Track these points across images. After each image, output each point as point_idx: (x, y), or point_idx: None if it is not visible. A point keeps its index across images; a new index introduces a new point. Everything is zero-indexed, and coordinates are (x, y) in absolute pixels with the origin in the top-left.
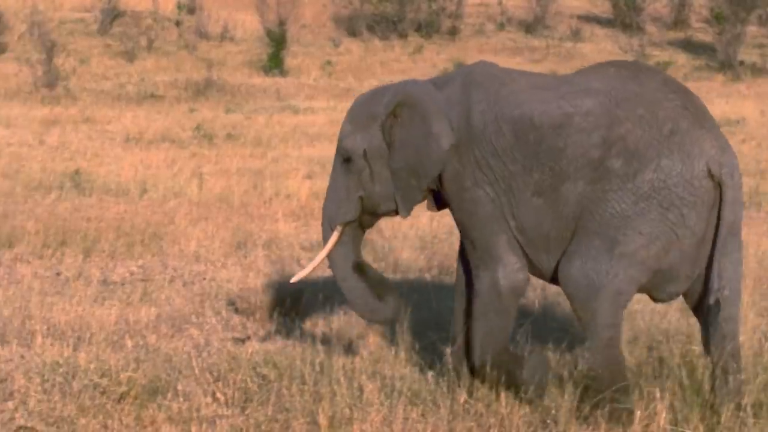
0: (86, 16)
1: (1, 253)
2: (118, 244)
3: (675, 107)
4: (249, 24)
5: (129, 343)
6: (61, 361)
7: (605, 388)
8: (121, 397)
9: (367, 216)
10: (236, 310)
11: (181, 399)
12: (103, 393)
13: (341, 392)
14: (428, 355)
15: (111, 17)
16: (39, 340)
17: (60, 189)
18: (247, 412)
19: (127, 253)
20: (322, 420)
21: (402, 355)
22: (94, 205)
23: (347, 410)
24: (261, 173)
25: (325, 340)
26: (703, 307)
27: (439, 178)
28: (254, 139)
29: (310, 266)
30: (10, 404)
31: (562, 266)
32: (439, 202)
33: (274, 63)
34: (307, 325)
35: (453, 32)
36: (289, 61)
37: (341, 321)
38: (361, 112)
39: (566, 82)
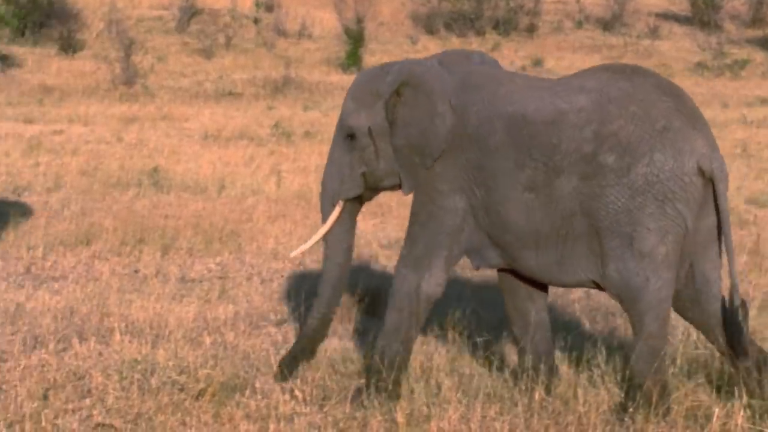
0: (164, 14)
1: (80, 250)
2: (196, 242)
3: (668, 107)
4: (327, 21)
5: (207, 341)
6: (139, 359)
7: (643, 395)
8: (199, 395)
9: (368, 191)
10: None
11: (259, 396)
12: (181, 390)
13: (419, 390)
14: (506, 353)
15: (189, 15)
16: (117, 337)
17: (138, 186)
18: (325, 410)
19: (205, 251)
20: (400, 418)
21: (479, 352)
22: (172, 203)
23: (425, 408)
24: None
25: None
26: (700, 312)
27: None
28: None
29: (311, 242)
30: (88, 401)
31: (602, 274)
32: None
33: (352, 60)
34: None
35: (531, 30)
36: (367, 59)
37: None
38: (365, 90)
39: (561, 82)
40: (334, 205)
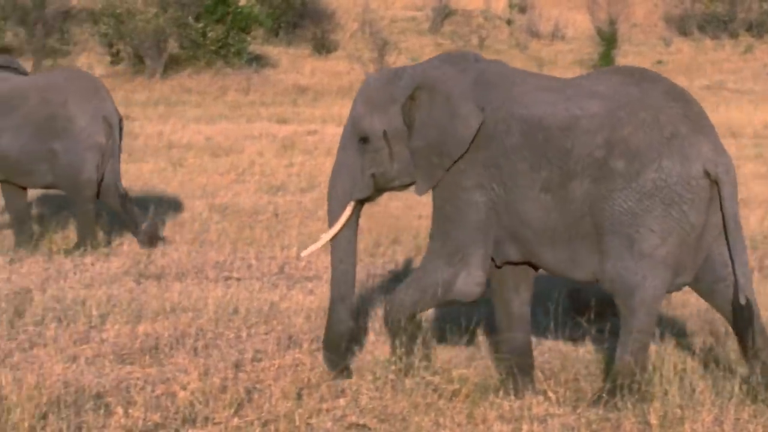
0: (417, 15)
1: None
2: None
3: (676, 114)
4: (580, 23)
5: (461, 341)
6: (393, 359)
7: (625, 386)
8: (453, 395)
9: (375, 192)
10: (570, 309)
11: (512, 397)
12: (435, 390)
13: (672, 392)
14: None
15: (442, 16)
16: (371, 337)
17: None
18: (578, 411)
19: None
20: (653, 419)
21: (731, 356)
22: (426, 204)
23: (678, 410)
24: None
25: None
26: (720, 297)
27: None
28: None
29: (321, 242)
30: (342, 401)
31: (600, 269)
32: None
33: (605, 62)
34: None
35: None
36: (620, 60)
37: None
38: (378, 95)
39: (572, 85)
40: (344, 207)
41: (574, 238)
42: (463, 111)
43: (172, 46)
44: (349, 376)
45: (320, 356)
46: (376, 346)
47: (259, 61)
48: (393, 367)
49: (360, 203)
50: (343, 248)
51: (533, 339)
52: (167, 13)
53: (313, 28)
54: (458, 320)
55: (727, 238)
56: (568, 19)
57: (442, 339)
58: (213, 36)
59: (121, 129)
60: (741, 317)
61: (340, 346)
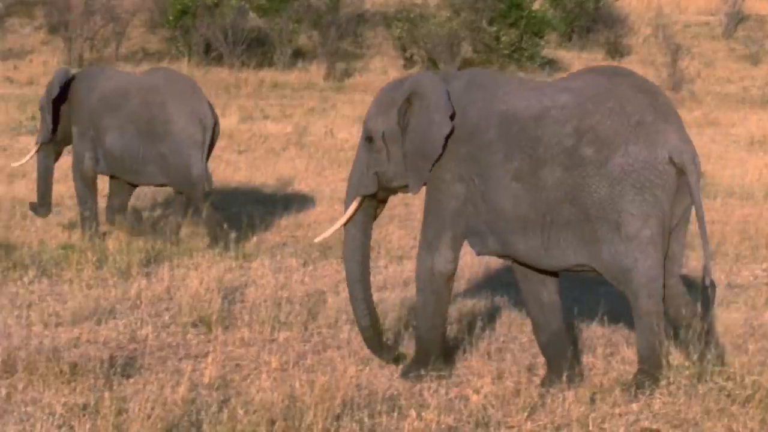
0: (711, 20)
1: None
2: (742, 248)
3: (642, 103)
4: None
5: (752, 347)
6: (687, 364)
7: (649, 371)
8: (746, 401)
9: (382, 191)
10: None
11: None
12: (728, 396)
13: None
14: None
15: (736, 21)
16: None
17: None
18: None
19: (751, 257)
20: None
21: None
22: (718, 208)
23: None
24: None
25: None
26: (668, 276)
27: None
28: None
29: (331, 229)
30: (635, 406)
31: (596, 258)
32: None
33: None
34: None
35: None
36: None
37: None
38: (386, 97)
39: (551, 83)
40: (352, 201)
41: (548, 226)
42: (437, 118)
43: (465, 50)
44: (401, 360)
45: (612, 360)
46: (670, 351)
47: (552, 65)
48: (687, 372)
49: (373, 201)
50: (348, 246)
51: None
52: (460, 16)
53: (606, 33)
54: (752, 326)
55: (700, 225)
56: None
57: (733, 344)
58: (506, 40)
59: (215, 131)
60: (705, 300)
61: (371, 341)
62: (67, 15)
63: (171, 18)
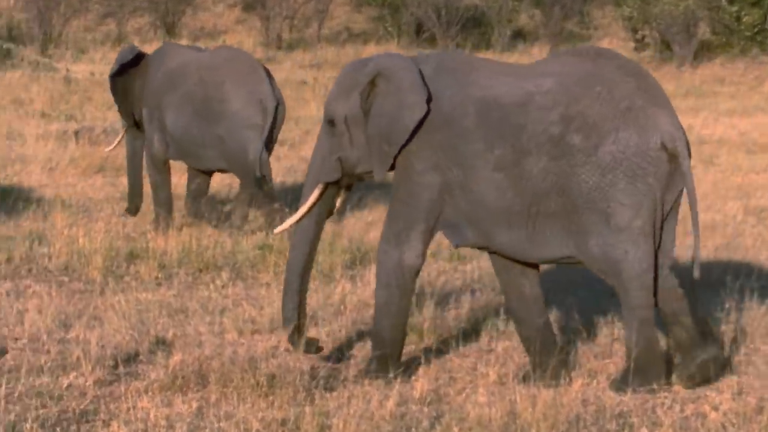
0: None
1: None
2: None
3: (630, 87)
4: None
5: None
6: None
7: (643, 368)
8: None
9: (346, 177)
10: None
11: None
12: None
13: None
14: None
15: None
16: None
17: None
18: None
19: None
20: None
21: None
22: None
23: None
24: None
25: None
26: (659, 266)
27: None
28: None
29: (290, 221)
30: None
31: (583, 250)
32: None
33: None
34: None
35: None
36: None
37: None
38: (347, 80)
39: (529, 67)
40: (313, 189)
41: (533, 217)
42: (409, 101)
43: (703, 32)
44: (317, 351)
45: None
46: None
47: None
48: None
49: (335, 189)
50: (298, 236)
51: None
52: None
53: None
54: None
55: (692, 212)
56: None
57: None
58: (748, 20)
59: (278, 114)
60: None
61: (291, 336)
62: None
63: None
